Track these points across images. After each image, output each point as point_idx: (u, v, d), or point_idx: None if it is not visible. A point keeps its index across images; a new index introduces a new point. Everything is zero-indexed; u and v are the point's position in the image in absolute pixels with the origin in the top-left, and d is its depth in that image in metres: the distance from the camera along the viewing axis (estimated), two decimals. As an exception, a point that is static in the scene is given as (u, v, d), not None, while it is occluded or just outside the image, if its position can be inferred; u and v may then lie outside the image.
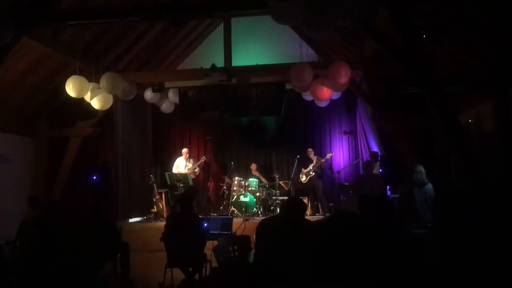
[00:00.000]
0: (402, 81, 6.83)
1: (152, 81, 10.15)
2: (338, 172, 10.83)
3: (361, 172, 9.37)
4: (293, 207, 4.25)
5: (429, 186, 6.79)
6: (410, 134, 9.02)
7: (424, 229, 5.30)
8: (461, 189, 6.95)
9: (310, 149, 11.27)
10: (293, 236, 3.82)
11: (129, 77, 9.45)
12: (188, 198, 6.11)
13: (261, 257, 4.09)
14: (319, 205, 10.84)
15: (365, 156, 10.66)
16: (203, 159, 11.51)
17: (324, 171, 11.55)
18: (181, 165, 11.29)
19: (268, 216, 8.01)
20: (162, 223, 8.48)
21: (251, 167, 11.73)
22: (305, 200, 10.16)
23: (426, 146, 9.06)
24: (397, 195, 8.09)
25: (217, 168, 12.56)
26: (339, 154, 11.94)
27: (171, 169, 11.69)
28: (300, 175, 11.15)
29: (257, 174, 11.56)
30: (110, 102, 9.25)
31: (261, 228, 4.21)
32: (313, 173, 10.88)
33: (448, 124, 5.75)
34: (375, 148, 10.00)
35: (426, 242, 3.82)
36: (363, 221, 2.32)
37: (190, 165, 11.23)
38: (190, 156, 11.60)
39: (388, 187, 9.23)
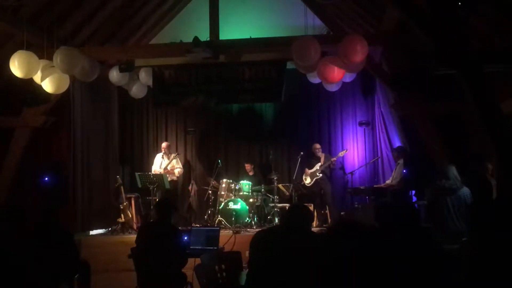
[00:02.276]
0: (431, 59, 6.83)
1: (119, 58, 10.11)
2: (352, 173, 10.86)
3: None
4: (297, 216, 4.27)
5: (465, 190, 6.80)
6: (441, 125, 9.05)
7: (458, 244, 5.32)
8: (501, 196, 7.00)
9: (317, 145, 11.31)
10: (297, 252, 3.84)
11: (90, 53, 9.42)
12: (168, 206, 6.14)
13: (256, 279, 4.11)
14: (328, 214, 10.89)
15: (386, 152, 10.72)
16: (176, 154, 11.51)
17: (334, 172, 11.60)
18: (158, 163, 11.31)
19: (265, 228, 8.07)
20: (131, 236, 8.54)
21: (246, 168, 11.75)
22: (311, 208, 10.20)
23: (461, 141, 9.10)
24: (424, 202, 8.12)
25: (201, 168, 12.57)
26: (353, 151, 11.99)
27: (143, 168, 11.69)
28: (304, 177, 11.19)
29: (254, 174, 11.61)
30: (66, 84, 9.22)
31: (257, 242, 4.23)
32: (320, 175, 10.93)
33: (487, 113, 5.78)
34: (397, 143, 10.05)
35: (458, 259, 3.84)
36: (375, 233, 2.34)
37: (174, 164, 11.27)
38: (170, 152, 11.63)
39: (413, 191, 9.29)
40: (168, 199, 7.11)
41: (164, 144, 11.56)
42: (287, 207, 10.62)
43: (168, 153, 11.44)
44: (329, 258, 2.48)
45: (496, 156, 6.58)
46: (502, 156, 5.81)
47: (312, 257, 3.41)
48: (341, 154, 11.19)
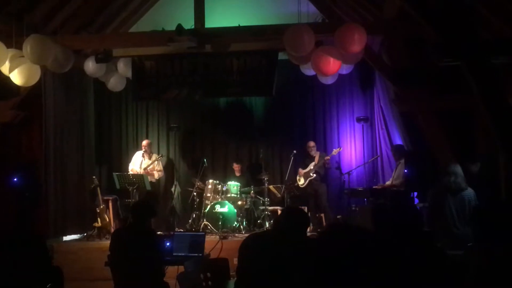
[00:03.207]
0: (434, 49, 6.86)
1: (96, 48, 10.08)
2: (349, 173, 10.88)
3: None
4: (293, 220, 4.27)
5: (469, 192, 6.83)
6: (445, 122, 9.09)
7: (462, 250, 5.37)
8: (510, 197, 7.05)
9: (311, 143, 11.33)
10: (291, 259, 3.85)
11: (64, 42, 9.37)
12: (145, 208, 6.12)
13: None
14: (323, 217, 10.90)
15: (385, 151, 10.75)
16: (159, 156, 11.51)
17: (330, 171, 11.60)
18: (137, 162, 11.27)
19: (256, 232, 8.06)
20: (107, 242, 8.48)
21: (234, 168, 11.76)
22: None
23: (467, 138, 9.14)
24: (426, 204, 8.16)
25: (185, 168, 12.56)
26: (351, 149, 12.01)
27: (121, 168, 11.64)
28: (298, 178, 11.21)
29: (242, 174, 11.62)
30: (37, 76, 9.18)
31: (248, 247, 4.24)
32: (314, 175, 10.94)
33: (494, 108, 5.81)
34: (398, 141, 10.08)
35: (463, 266, 3.88)
36: (372, 237, 2.35)
37: (155, 165, 11.23)
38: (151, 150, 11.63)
39: (415, 193, 9.33)
40: (147, 202, 7.08)
41: (144, 142, 11.53)
42: (279, 210, 10.68)
43: (149, 152, 11.40)
44: (319, 265, 2.49)
45: (504, 154, 6.62)
46: (510, 156, 5.85)
47: (306, 265, 3.43)
48: (334, 152, 11.17)
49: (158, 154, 11.72)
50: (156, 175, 11.38)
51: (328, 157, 11.07)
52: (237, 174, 11.66)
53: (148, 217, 6.17)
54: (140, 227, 5.92)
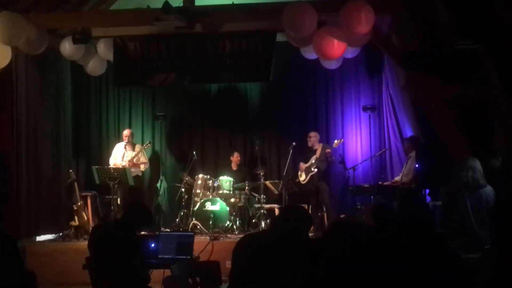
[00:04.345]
0: (448, 31, 6.86)
1: (73, 27, 10.04)
2: (354, 168, 10.91)
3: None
4: (293, 219, 4.28)
5: (488, 190, 6.84)
6: (461, 111, 9.10)
7: (478, 253, 5.40)
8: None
9: (312, 133, 11.31)
10: (292, 262, 3.86)
11: (37, 20, 9.35)
12: (144, 215, 6.10)
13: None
14: (325, 216, 10.91)
15: (394, 143, 10.76)
16: (146, 144, 11.49)
17: (333, 166, 11.60)
18: (119, 154, 11.24)
19: (251, 232, 8.08)
20: (85, 243, 8.51)
21: (232, 159, 11.76)
22: (304, 210, 10.22)
23: (485, 130, 9.15)
24: (439, 202, 8.18)
25: (172, 161, 12.55)
26: (356, 141, 12.03)
27: (101, 161, 11.62)
28: (299, 173, 11.20)
29: (238, 168, 11.62)
30: (7, 58, 9.17)
31: (243, 248, 4.24)
32: (315, 169, 10.91)
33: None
34: (409, 132, 10.09)
35: (478, 271, 3.89)
36: (380, 237, 2.36)
37: (133, 154, 11.21)
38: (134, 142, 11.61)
39: (427, 191, 9.35)
40: (148, 211, 6.99)
41: (126, 132, 11.47)
42: (276, 209, 10.69)
43: (131, 142, 11.36)
44: (322, 267, 2.49)
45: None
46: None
47: (308, 268, 3.43)
48: (335, 144, 11.08)
49: (143, 144, 11.67)
50: (142, 167, 11.36)
51: (329, 150, 11.00)
52: (234, 168, 11.65)
53: (144, 226, 6.14)
54: (123, 226, 5.90)
